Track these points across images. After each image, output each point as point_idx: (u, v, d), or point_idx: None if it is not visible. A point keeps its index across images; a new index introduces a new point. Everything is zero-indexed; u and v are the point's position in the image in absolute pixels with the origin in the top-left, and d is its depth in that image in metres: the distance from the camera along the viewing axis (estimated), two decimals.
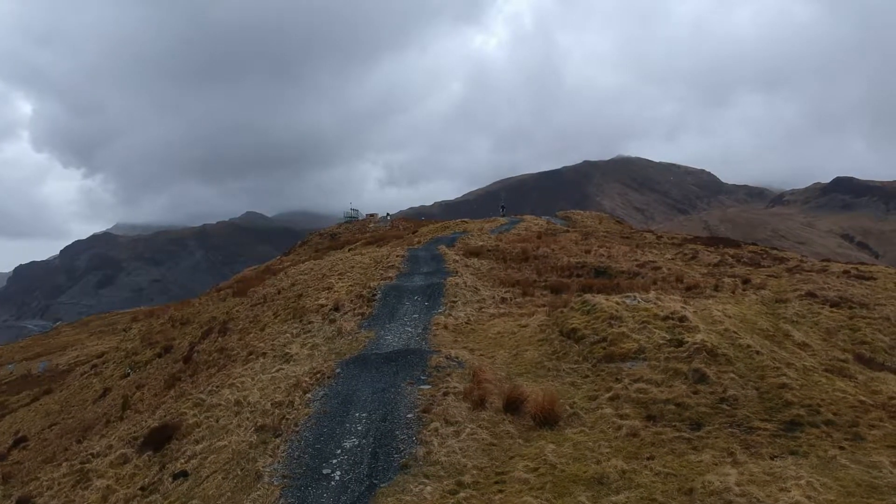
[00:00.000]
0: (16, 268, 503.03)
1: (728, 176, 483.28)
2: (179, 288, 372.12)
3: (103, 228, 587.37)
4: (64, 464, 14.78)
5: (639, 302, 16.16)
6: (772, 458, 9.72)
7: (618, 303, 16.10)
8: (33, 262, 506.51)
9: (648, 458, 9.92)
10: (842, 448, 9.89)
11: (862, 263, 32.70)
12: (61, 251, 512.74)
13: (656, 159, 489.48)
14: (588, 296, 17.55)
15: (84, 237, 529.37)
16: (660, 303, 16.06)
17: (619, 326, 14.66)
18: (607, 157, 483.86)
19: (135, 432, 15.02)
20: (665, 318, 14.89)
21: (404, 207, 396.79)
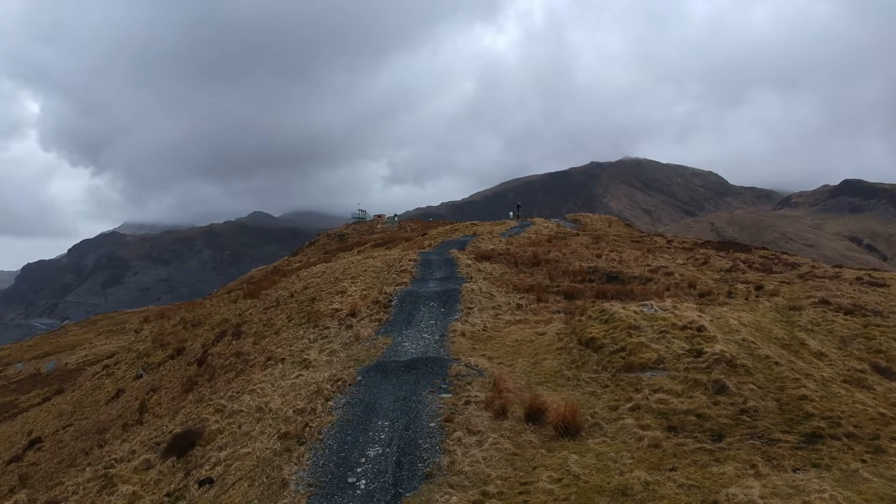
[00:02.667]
0: (24, 266, 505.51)
1: (740, 177, 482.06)
2: (187, 287, 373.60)
3: (111, 227, 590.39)
4: (87, 468, 14.93)
5: (656, 311, 16.25)
6: (794, 471, 9.81)
7: (636, 312, 16.20)
8: (41, 261, 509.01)
9: (671, 470, 10.02)
10: (864, 461, 9.98)
11: (874, 270, 32.68)
12: (69, 250, 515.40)
13: (664, 161, 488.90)
14: (606, 304, 17.62)
15: (92, 236, 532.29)
16: (677, 312, 16.14)
17: (638, 336, 14.76)
18: (615, 159, 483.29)
19: (157, 437, 15.16)
20: (683, 328, 14.98)
21: (411, 208, 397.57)
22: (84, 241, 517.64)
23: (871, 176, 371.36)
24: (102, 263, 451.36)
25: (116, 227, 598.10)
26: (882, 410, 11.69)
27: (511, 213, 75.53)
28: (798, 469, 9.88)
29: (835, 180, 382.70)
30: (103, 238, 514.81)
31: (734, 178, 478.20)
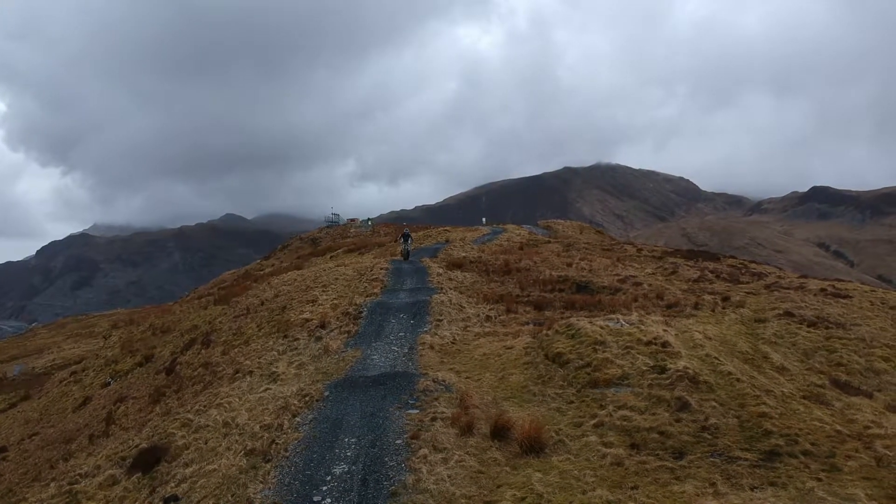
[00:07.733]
0: None
1: (723, 182, 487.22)
2: (157, 290, 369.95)
3: (80, 229, 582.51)
4: (52, 483, 14.77)
5: (622, 325, 16.46)
6: (752, 489, 9.99)
7: (602, 327, 16.39)
8: (8, 262, 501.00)
9: (633, 488, 10.16)
10: (819, 479, 10.18)
11: (839, 280, 33.27)
12: (37, 251, 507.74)
13: (638, 166, 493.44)
14: (573, 319, 17.81)
15: (61, 237, 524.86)
16: (643, 327, 16.36)
17: (604, 352, 14.94)
18: (592, 163, 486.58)
19: (122, 452, 15.04)
20: (648, 343, 15.19)
21: (385, 210, 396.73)
22: (52, 243, 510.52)
23: (858, 182, 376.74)
24: (71, 265, 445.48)
25: (86, 228, 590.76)
26: (839, 427, 11.94)
27: (484, 220, 75.66)
28: (756, 487, 10.07)
29: (818, 185, 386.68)
30: (72, 239, 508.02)
31: (718, 183, 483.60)
